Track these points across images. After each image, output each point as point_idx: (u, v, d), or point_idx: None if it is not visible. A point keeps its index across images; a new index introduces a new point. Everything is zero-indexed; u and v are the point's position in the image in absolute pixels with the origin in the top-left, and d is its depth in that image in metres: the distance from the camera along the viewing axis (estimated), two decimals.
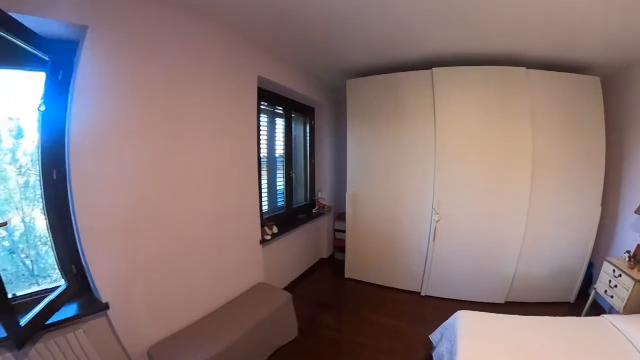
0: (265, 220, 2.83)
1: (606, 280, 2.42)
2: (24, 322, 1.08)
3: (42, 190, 1.24)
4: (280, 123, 3.21)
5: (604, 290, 2.43)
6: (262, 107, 2.79)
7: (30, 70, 1.26)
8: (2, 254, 1.25)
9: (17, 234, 1.29)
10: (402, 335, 2.52)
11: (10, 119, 1.29)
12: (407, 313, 2.86)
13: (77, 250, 1.33)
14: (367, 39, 2.40)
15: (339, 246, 3.93)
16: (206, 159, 2.03)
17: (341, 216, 3.90)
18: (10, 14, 1.06)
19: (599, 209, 2.77)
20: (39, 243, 1.34)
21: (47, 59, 1.25)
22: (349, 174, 3.33)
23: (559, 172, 2.73)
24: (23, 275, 1.29)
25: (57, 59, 1.27)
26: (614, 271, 2.34)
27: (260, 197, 2.70)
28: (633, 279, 2.13)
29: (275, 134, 3.14)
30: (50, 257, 1.29)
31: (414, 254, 3.17)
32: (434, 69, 2.82)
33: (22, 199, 1.27)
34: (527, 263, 2.86)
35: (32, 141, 1.26)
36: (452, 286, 3.07)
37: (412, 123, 2.98)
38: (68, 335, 1.23)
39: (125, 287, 1.52)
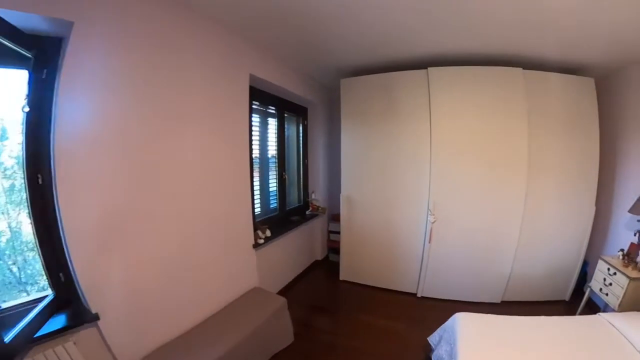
0: (258, 223, 2.81)
1: (601, 279, 2.50)
2: (8, 338, 1.03)
3: (27, 195, 1.19)
4: (272, 123, 3.20)
5: (598, 288, 2.51)
6: (254, 106, 2.77)
7: (12, 68, 1.21)
8: None
9: (3, 240, 1.23)
10: (399, 337, 2.54)
11: None
12: (404, 315, 2.88)
13: (65, 258, 1.29)
14: (362, 38, 2.42)
15: (333, 247, 3.94)
16: (196, 161, 1.99)
17: (335, 217, 3.91)
18: None
19: (593, 208, 2.87)
20: (26, 249, 1.29)
21: (30, 56, 1.20)
22: (343, 175, 3.34)
23: (554, 172, 2.81)
24: (10, 282, 1.24)
25: (41, 56, 1.23)
26: (609, 269, 2.43)
27: (253, 200, 2.68)
28: (627, 276, 2.22)
29: (267, 134, 3.12)
30: (37, 263, 1.24)
31: (409, 255, 3.20)
32: (429, 69, 2.86)
33: (7, 202, 1.22)
34: (523, 262, 2.93)
35: (16, 142, 1.22)
36: (448, 287, 3.11)
37: (406, 123, 3.01)
38: (57, 348, 1.19)
39: (116, 295, 1.48)
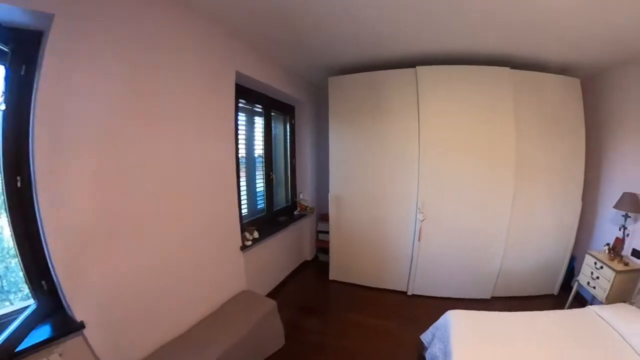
0: (245, 225, 2.80)
1: (588, 272, 2.66)
2: None
3: (5, 198, 1.14)
4: (259, 122, 3.18)
5: (586, 282, 2.67)
6: (240, 104, 2.74)
7: None
8: None
9: None
10: (391, 336, 2.59)
11: None
12: (395, 313, 2.94)
13: (47, 265, 1.24)
14: (351, 36, 2.45)
15: (322, 247, 3.97)
16: (180, 161, 1.93)
17: (324, 217, 3.93)
18: None
19: (580, 204, 3.03)
20: (8, 255, 1.23)
21: (7, 50, 1.15)
22: (331, 174, 3.37)
23: (541, 170, 2.94)
24: None
25: (19, 51, 1.18)
26: (595, 263, 2.59)
27: (239, 201, 2.65)
28: (613, 270, 2.38)
29: (253, 133, 3.10)
30: (20, 270, 1.19)
31: (399, 253, 3.27)
32: (417, 67, 2.92)
33: None
34: (511, 258, 3.06)
35: None
36: (438, 284, 3.20)
37: (395, 122, 3.07)
38: None
39: (102, 302, 1.44)
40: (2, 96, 1.14)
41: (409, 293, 3.28)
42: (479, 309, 2.24)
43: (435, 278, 3.19)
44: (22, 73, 1.18)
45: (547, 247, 3.08)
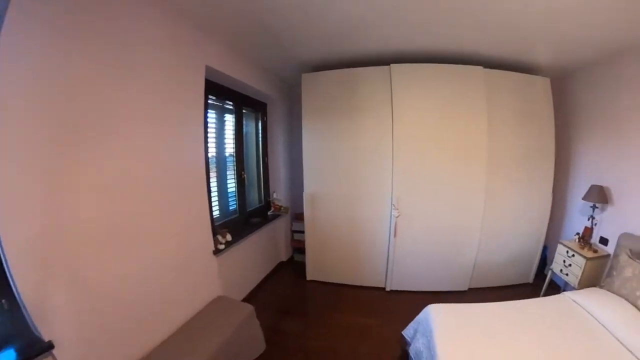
0: (217, 228, 2.75)
1: (561, 261, 2.94)
2: None
3: None
4: (229, 119, 3.12)
5: (559, 269, 2.95)
6: (209, 101, 2.68)
7: None
8: None
9: None
10: (373, 334, 2.67)
11: None
12: (375, 310, 3.05)
13: (7, 281, 1.16)
14: (325, 34, 2.49)
15: (298, 247, 4.00)
16: (144, 163, 1.84)
17: (298, 216, 3.96)
18: None
19: (550, 197, 3.31)
20: None
21: None
22: (305, 173, 3.39)
23: (513, 165, 3.18)
24: None
25: None
26: (567, 252, 2.87)
27: (210, 203, 2.60)
28: (584, 257, 2.65)
29: (224, 131, 3.04)
30: None
31: (375, 250, 3.39)
32: (392, 65, 3.02)
33: None
34: (486, 250, 3.28)
35: None
36: (416, 278, 3.36)
37: (369, 119, 3.15)
38: None
39: (70, 318, 1.36)
40: None
41: (388, 289, 3.41)
42: (457, 301, 2.35)
43: (412, 273, 3.34)
44: None
45: (520, 238, 3.35)
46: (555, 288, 3.22)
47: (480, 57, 2.93)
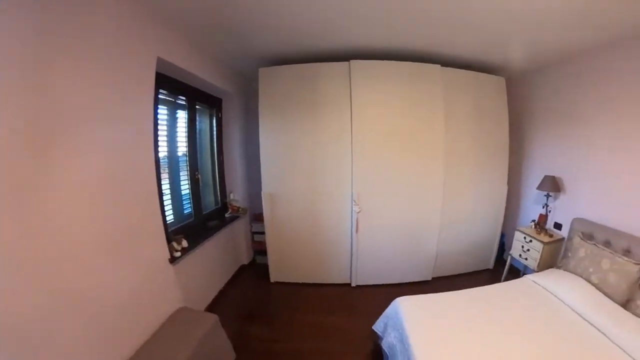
0: (172, 234, 2.57)
1: (519, 246, 3.24)
2: None
3: None
4: (182, 116, 2.92)
5: (518, 254, 3.25)
6: (160, 96, 2.48)
7: None
8: None
9: None
10: (343, 331, 2.71)
11: None
12: (342, 307, 3.10)
13: None
14: (284, 26, 2.43)
15: (259, 249, 3.92)
16: (86, 168, 1.63)
17: (258, 217, 3.87)
18: None
19: (505, 188, 3.63)
20: None
21: None
22: (262, 171, 3.31)
23: (469, 159, 3.41)
24: None
25: None
26: (525, 238, 3.16)
27: (162, 207, 2.42)
28: (541, 242, 2.95)
29: (176, 129, 2.84)
30: None
31: (339, 246, 3.44)
32: (351, 61, 3.06)
33: None
34: (447, 241, 3.51)
35: None
36: (380, 272, 3.48)
37: (328, 115, 3.17)
38: None
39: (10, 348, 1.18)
40: None
41: (353, 284, 3.49)
42: (422, 291, 2.49)
43: (376, 267, 3.46)
44: None
45: (479, 227, 3.64)
46: (515, 272, 3.57)
47: (440, 56, 3.08)
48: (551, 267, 2.84)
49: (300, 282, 3.55)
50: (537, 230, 3.14)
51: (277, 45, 2.87)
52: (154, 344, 1.96)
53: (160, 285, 2.26)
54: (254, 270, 3.91)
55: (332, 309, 3.06)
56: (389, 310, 2.35)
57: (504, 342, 1.84)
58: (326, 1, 2.02)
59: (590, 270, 2.33)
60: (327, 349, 2.48)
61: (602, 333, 1.89)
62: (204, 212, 3.30)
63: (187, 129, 2.98)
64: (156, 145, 2.34)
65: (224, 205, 3.69)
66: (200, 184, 3.24)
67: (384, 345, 2.22)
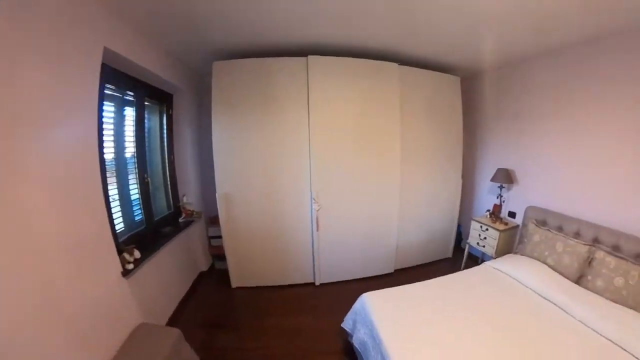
0: (123, 244, 2.36)
1: (476, 235, 3.53)
2: None
3: None
4: (130, 113, 2.65)
5: (475, 243, 3.54)
6: (107, 91, 2.24)
7: None
8: None
9: None
10: (312, 331, 2.72)
11: None
12: (308, 307, 3.11)
13: None
14: (239, 18, 2.33)
15: (217, 254, 3.75)
16: (20, 173, 1.41)
17: (214, 220, 3.70)
18: None
19: (460, 180, 3.93)
20: None
21: None
22: (216, 171, 3.15)
23: (425, 154, 3.64)
24: None
25: None
26: (481, 227, 3.45)
27: (111, 215, 2.20)
28: (498, 230, 3.24)
29: (124, 128, 2.58)
30: None
31: (300, 246, 3.44)
32: (309, 57, 3.03)
33: None
34: (406, 233, 3.71)
35: None
36: (343, 268, 3.56)
37: (286, 111, 3.12)
38: None
39: None
40: None
41: (317, 283, 3.53)
42: (385, 284, 2.60)
43: (339, 263, 3.53)
44: None
45: (437, 218, 3.92)
46: (473, 259, 3.93)
47: (398, 54, 3.19)
48: (508, 252, 3.19)
49: (263, 285, 3.48)
50: (492, 219, 3.49)
51: (233, 37, 2.73)
52: None
53: (115, 303, 2.06)
54: (214, 277, 3.73)
55: (298, 310, 3.06)
56: (356, 306, 2.39)
57: (472, 327, 1.96)
58: None
59: (546, 253, 2.66)
60: (298, 351, 2.48)
61: (560, 308, 2.14)
62: (156, 218, 3.05)
63: (135, 128, 2.72)
64: (101, 146, 2.12)
65: (177, 209, 3.45)
66: (151, 188, 2.99)
67: (355, 342, 2.25)
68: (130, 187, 2.68)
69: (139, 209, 2.81)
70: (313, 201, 3.26)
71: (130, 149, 2.69)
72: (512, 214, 3.56)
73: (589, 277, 2.31)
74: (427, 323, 2.01)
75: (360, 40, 2.86)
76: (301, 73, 3.07)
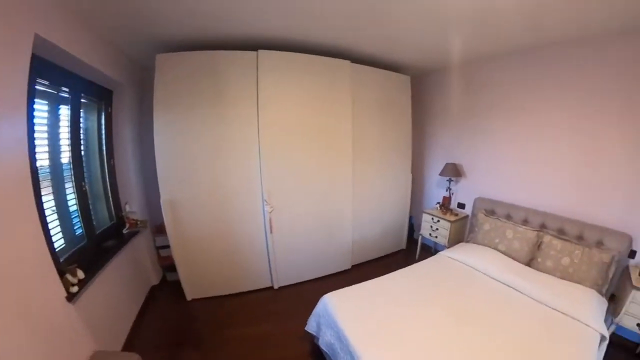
0: (64, 265, 2.08)
1: (428, 226, 3.81)
2: None
3: None
4: (65, 112, 2.32)
5: (428, 234, 3.82)
6: (38, 87, 1.93)
7: None
8: None
9: None
10: (276, 338, 2.70)
11: None
12: (270, 313, 3.08)
13: None
14: (186, 4, 2.17)
15: (168, 265, 3.47)
16: None
17: (161, 228, 3.41)
18: None
19: (410, 176, 4.20)
20: None
21: None
22: (160, 175, 2.90)
23: (376, 151, 3.82)
24: None
25: None
26: (433, 218, 3.73)
27: (47, 232, 1.93)
28: (448, 221, 3.52)
29: (58, 129, 2.25)
30: None
31: (254, 250, 3.36)
32: (259, 51, 2.94)
33: None
34: (361, 229, 3.87)
35: None
36: (301, 269, 3.59)
37: (235, 109, 2.99)
38: None
39: None
40: None
41: (276, 287, 3.51)
42: (344, 281, 2.72)
43: (296, 265, 3.55)
44: None
45: (389, 212, 4.15)
46: (427, 249, 4.27)
47: (351, 52, 3.28)
48: (460, 241, 3.52)
49: (220, 294, 3.35)
50: (442, 211, 3.83)
51: (179, 27, 2.55)
52: None
53: (62, 333, 1.85)
54: (167, 290, 3.46)
55: (260, 316, 3.01)
56: (318, 308, 2.39)
57: (435, 317, 2.10)
58: None
59: (497, 240, 3.01)
60: None
61: (515, 289, 2.44)
62: (98, 231, 2.73)
63: (70, 129, 2.39)
64: (32, 151, 1.84)
65: (120, 219, 3.12)
66: (90, 197, 2.66)
67: (322, 344, 2.26)
68: (68, 197, 2.35)
69: (79, 222, 2.48)
70: (265, 203, 3.19)
71: (66, 154, 2.35)
72: (461, 205, 3.97)
73: (539, 259, 2.71)
74: (391, 317, 2.09)
75: (310, 35, 2.82)
76: (251, 68, 2.96)
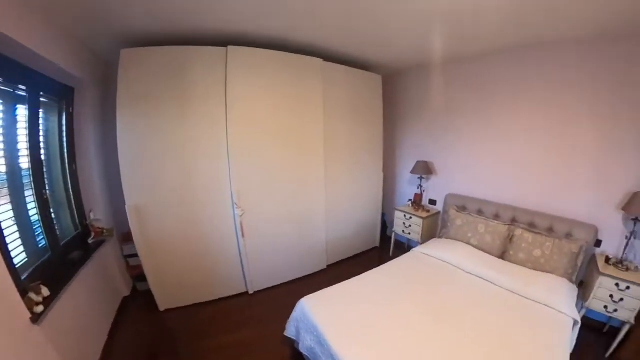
0: (27, 282, 1.92)
1: (401, 223, 3.89)
2: None
3: None
4: (22, 112, 2.11)
5: (401, 230, 3.90)
6: None
7: None
8: None
9: None
10: (255, 345, 2.66)
11: None
12: (246, 319, 3.02)
13: None
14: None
15: (137, 275, 3.30)
16: None
17: (128, 237, 3.21)
18: None
19: (381, 174, 4.28)
20: None
21: None
22: (124, 178, 2.73)
23: (348, 151, 3.87)
24: None
25: None
26: (405, 215, 3.81)
27: (5, 247, 1.77)
28: (420, 217, 3.61)
29: (15, 131, 2.04)
30: None
31: (227, 255, 3.28)
32: (229, 47, 2.84)
33: None
34: (334, 228, 3.91)
35: None
36: (275, 272, 3.57)
37: (203, 107, 2.87)
38: None
39: None
40: None
41: (251, 292, 3.45)
42: (320, 281, 2.73)
43: (271, 268, 3.51)
44: None
45: (361, 211, 4.22)
46: (400, 245, 4.38)
47: (322, 50, 3.28)
48: (433, 237, 3.64)
49: (194, 302, 3.24)
50: (414, 208, 3.94)
51: (144, 20, 2.40)
52: None
53: (29, 358, 1.66)
54: (138, 301, 3.28)
55: (237, 324, 2.95)
56: (296, 313, 2.38)
57: (413, 314, 2.14)
58: None
59: (469, 235, 3.15)
60: None
61: (489, 282, 2.57)
62: (63, 242, 2.53)
63: (28, 131, 2.18)
64: None
65: (85, 228, 2.90)
66: (52, 205, 2.45)
67: (303, 349, 2.26)
68: (29, 206, 2.15)
69: (41, 232, 2.28)
70: (235, 206, 3.10)
71: (25, 158, 2.15)
72: (432, 202, 4.11)
73: (511, 252, 2.88)
74: (370, 317, 2.11)
75: (282, 32, 2.78)
76: (220, 65, 2.86)
